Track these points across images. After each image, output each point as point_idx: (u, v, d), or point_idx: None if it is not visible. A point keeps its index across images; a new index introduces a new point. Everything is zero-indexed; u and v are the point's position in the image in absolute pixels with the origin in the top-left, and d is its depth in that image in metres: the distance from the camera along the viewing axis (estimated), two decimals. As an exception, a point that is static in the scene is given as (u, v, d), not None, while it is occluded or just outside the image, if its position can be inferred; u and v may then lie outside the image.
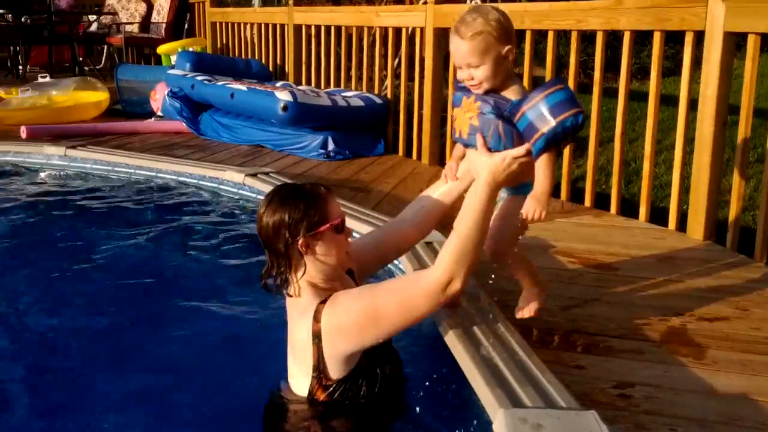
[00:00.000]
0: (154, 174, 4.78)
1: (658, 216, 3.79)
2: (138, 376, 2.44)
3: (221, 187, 4.45)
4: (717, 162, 3.40)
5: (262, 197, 4.01)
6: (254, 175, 4.33)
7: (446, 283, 1.96)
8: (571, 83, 4.13)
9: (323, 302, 1.98)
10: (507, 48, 2.01)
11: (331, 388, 2.00)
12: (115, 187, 4.76)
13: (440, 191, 2.37)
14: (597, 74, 3.99)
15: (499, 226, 2.19)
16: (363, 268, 2.31)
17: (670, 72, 7.08)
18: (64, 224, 4.12)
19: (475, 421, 1.93)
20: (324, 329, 1.95)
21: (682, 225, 3.58)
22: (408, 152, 5.54)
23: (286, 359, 2.12)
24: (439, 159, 5.29)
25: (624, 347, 2.32)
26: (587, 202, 4.09)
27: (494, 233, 2.18)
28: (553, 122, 1.94)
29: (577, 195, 4.24)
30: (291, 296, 2.05)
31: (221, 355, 2.57)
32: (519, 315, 2.31)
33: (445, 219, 2.33)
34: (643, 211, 3.78)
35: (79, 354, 2.63)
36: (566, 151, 4.20)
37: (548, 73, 4.27)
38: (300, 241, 1.97)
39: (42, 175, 5.09)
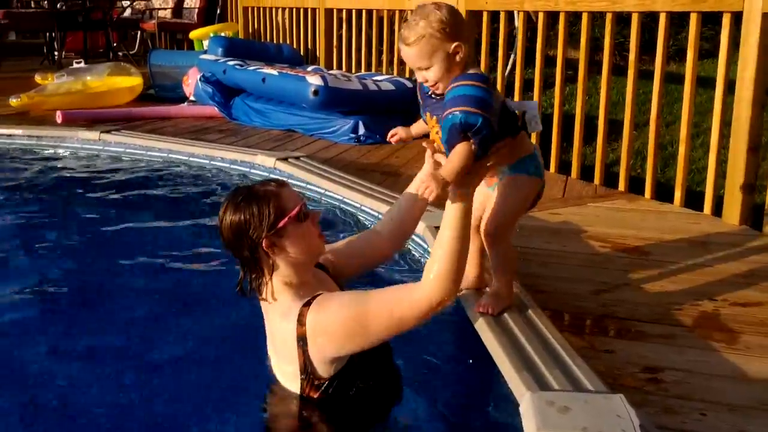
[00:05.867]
0: (186, 158, 4.83)
1: (695, 200, 3.72)
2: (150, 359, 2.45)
3: (252, 171, 4.48)
4: (754, 146, 3.33)
5: (293, 181, 4.09)
6: (285, 160, 4.34)
7: (438, 301, 1.89)
8: (605, 65, 4.08)
9: (307, 304, 1.94)
10: (455, 45, 1.95)
11: (324, 386, 1.97)
12: (149, 171, 4.82)
13: (412, 199, 2.35)
14: (632, 56, 3.93)
15: (499, 206, 2.15)
16: (337, 272, 2.25)
17: (709, 54, 6.93)
18: (98, 208, 4.17)
19: (502, 405, 1.93)
20: (309, 333, 1.91)
21: (717, 210, 3.51)
22: (439, 136, 5.50)
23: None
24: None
25: (655, 332, 2.29)
26: (621, 186, 4.04)
27: (493, 214, 2.15)
28: (445, 111, 1.89)
29: (611, 179, 4.18)
30: (266, 301, 2.01)
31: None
32: (481, 309, 2.20)
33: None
34: (678, 195, 3.72)
35: (114, 338, 2.65)
36: (599, 135, 4.15)
37: (582, 55, 4.21)
38: (264, 243, 1.93)
39: (77, 159, 5.17)
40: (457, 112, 1.85)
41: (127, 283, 3.09)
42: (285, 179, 2.09)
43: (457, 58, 1.97)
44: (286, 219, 1.94)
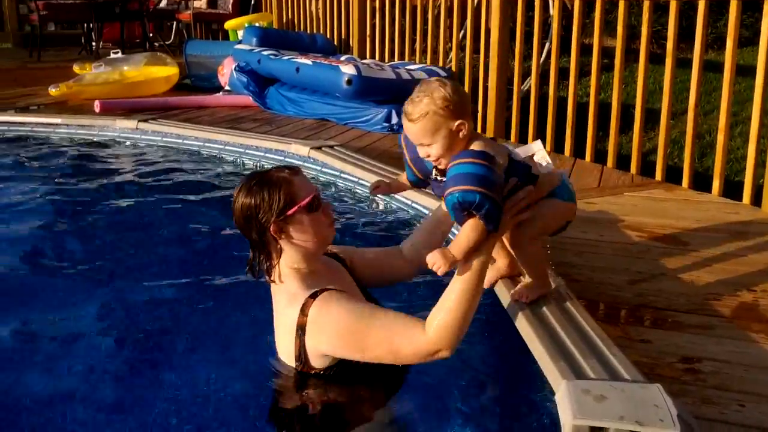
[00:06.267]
0: (222, 147, 4.88)
1: (733, 190, 3.67)
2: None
3: (287, 160, 4.51)
4: (796, 134, 3.28)
5: (326, 170, 4.12)
6: (319, 148, 4.37)
7: (435, 351, 1.88)
8: (642, 54, 4.03)
9: (313, 296, 1.95)
10: (458, 122, 1.93)
11: (320, 374, 1.99)
12: (185, 159, 4.87)
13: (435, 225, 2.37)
14: (670, 44, 3.87)
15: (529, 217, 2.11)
16: (354, 270, 2.26)
17: (749, 41, 6.81)
18: (136, 194, 4.24)
19: (539, 393, 1.93)
20: (309, 325, 1.94)
21: (756, 199, 3.46)
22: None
23: None
24: (505, 132, 5.23)
25: (693, 322, 2.27)
26: (658, 175, 3.99)
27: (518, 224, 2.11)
28: (446, 192, 1.86)
29: (647, 168, 4.14)
30: (274, 283, 2.04)
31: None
32: (516, 297, 2.22)
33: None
34: (716, 185, 3.67)
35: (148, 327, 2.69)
36: (636, 124, 4.11)
37: (619, 44, 4.16)
38: (272, 228, 1.96)
39: (115, 147, 5.26)
40: (456, 192, 1.83)
41: (163, 269, 3.15)
42: (299, 166, 2.11)
43: (461, 135, 1.95)
44: (296, 207, 1.97)
